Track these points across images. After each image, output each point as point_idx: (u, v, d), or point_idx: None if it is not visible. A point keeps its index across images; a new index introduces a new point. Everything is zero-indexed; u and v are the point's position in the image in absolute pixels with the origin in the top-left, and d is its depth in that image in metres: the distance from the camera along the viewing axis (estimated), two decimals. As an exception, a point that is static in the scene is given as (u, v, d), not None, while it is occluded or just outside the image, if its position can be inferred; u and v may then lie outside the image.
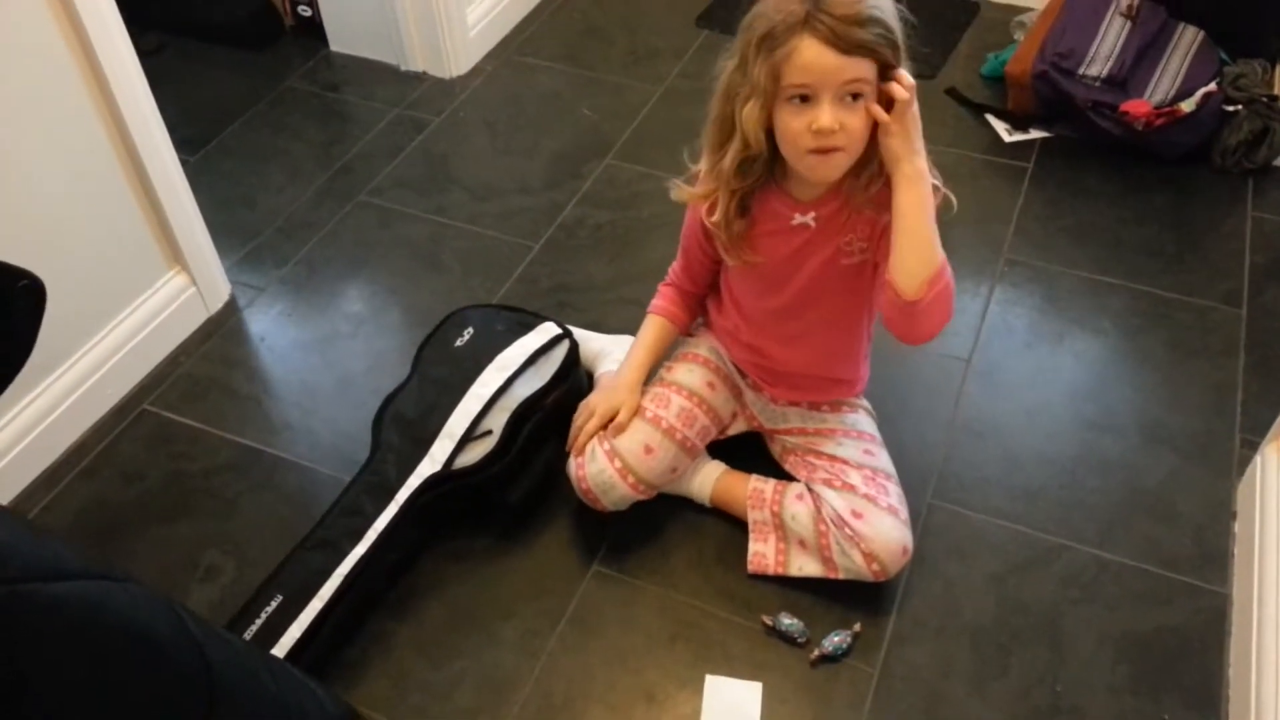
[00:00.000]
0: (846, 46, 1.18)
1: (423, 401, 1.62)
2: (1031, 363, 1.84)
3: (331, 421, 1.77)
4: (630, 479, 1.47)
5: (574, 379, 1.68)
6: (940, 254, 1.27)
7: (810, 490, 1.49)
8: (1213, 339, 1.87)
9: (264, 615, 1.41)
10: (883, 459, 1.52)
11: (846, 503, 1.44)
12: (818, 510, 1.46)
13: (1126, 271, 2.00)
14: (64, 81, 1.57)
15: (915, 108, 1.24)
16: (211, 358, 1.89)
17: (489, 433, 1.56)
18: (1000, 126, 2.34)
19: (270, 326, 1.95)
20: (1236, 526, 1.58)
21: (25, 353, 1.06)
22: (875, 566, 1.42)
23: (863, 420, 1.58)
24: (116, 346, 1.79)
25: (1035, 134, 2.31)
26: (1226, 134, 2.17)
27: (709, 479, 1.58)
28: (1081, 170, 2.23)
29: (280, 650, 1.38)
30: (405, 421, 1.60)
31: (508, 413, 1.58)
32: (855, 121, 1.23)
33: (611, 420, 1.50)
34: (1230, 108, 2.18)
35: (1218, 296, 1.94)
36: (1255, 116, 2.16)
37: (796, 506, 1.49)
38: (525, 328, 1.70)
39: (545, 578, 1.55)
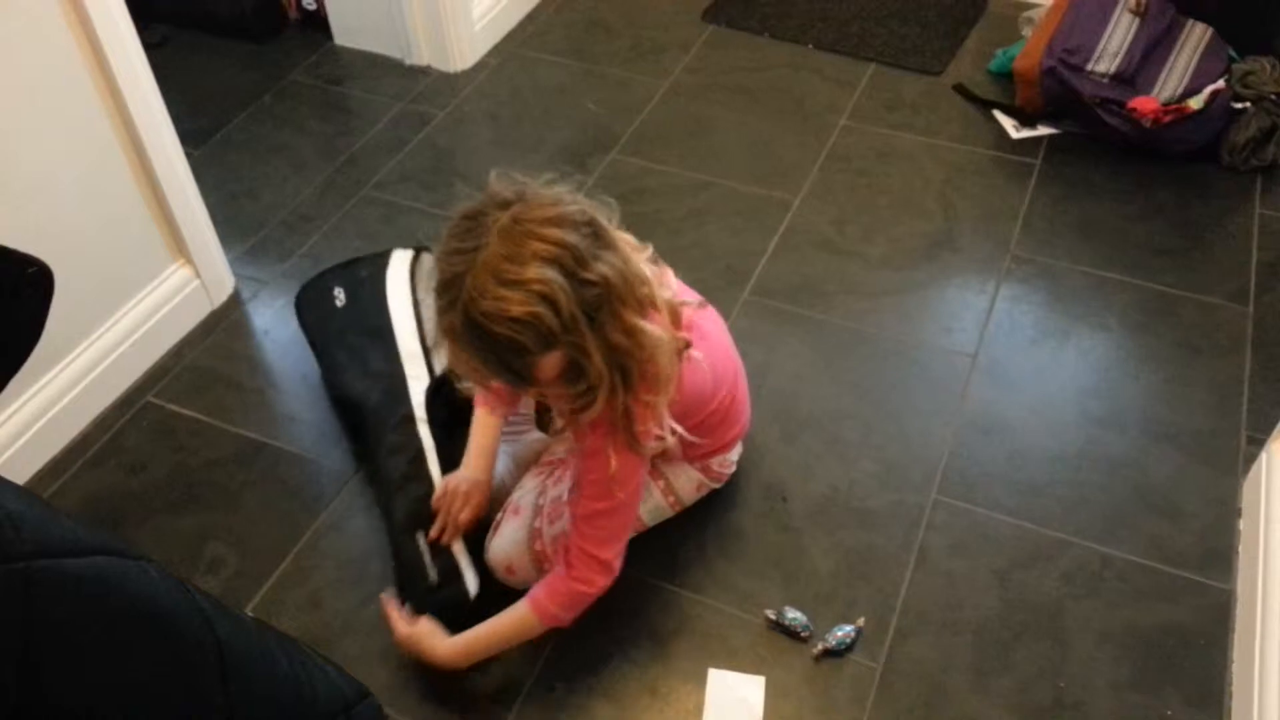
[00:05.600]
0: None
1: (366, 356, 1.68)
2: (1037, 359, 1.84)
3: (334, 415, 1.76)
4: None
5: None
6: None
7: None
8: (1219, 336, 1.86)
9: (430, 563, 1.45)
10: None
11: (525, 500, 1.48)
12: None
13: (1133, 268, 1.99)
14: (70, 74, 1.57)
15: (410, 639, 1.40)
16: (215, 350, 1.89)
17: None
18: (1008, 123, 2.34)
19: (274, 320, 1.95)
20: (1241, 524, 1.58)
21: (34, 339, 1.07)
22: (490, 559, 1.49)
23: None
24: (121, 339, 1.79)
25: (1043, 130, 2.31)
26: (1234, 131, 2.16)
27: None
28: (1089, 167, 2.22)
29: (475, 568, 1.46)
30: (373, 374, 1.66)
31: None
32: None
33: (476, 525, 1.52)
34: (1239, 105, 2.17)
35: (1224, 294, 1.94)
36: (1264, 114, 2.16)
37: (529, 481, 1.52)
38: (383, 265, 1.80)
39: (548, 571, 1.55)
